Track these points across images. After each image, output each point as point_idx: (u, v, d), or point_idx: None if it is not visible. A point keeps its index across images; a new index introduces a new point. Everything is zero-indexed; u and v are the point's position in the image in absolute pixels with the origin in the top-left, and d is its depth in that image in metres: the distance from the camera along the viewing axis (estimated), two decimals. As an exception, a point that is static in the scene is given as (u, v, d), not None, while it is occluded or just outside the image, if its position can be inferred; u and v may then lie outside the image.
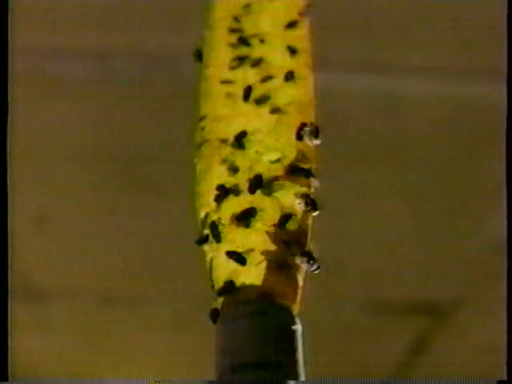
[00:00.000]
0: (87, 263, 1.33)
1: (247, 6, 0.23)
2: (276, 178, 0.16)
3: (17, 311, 1.53)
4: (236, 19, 0.22)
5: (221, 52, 0.21)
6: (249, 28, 0.22)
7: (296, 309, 0.15)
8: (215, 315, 0.15)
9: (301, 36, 0.21)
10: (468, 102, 1.02)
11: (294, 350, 0.14)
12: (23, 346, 1.73)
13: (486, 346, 1.69)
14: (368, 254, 1.29)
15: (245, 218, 0.16)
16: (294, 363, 0.14)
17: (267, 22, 0.22)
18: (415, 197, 1.16)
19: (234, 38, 0.21)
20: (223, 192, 0.16)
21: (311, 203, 0.17)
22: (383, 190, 1.19)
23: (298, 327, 0.14)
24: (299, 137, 0.17)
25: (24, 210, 1.15)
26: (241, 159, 0.17)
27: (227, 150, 0.17)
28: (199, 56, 0.21)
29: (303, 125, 0.18)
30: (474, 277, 1.41)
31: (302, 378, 0.13)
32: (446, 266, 1.35)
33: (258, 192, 0.16)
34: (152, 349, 1.80)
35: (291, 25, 0.21)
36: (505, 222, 0.99)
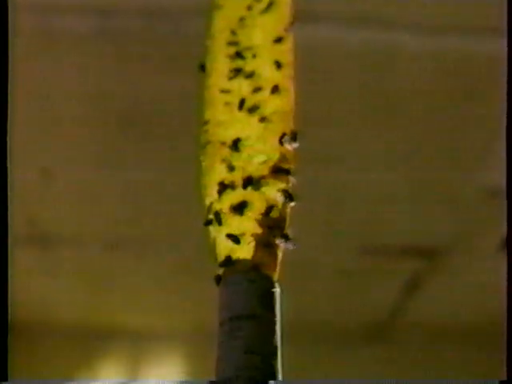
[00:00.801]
0: (93, 212, 1.39)
1: (242, 19, 0.27)
2: (263, 177, 0.22)
3: (25, 258, 1.59)
4: (233, 32, 0.27)
5: (220, 63, 0.26)
6: (244, 41, 0.27)
7: (276, 276, 0.20)
8: (218, 280, 0.21)
9: (286, 50, 0.26)
10: (464, 57, 1.06)
11: (273, 306, 0.20)
12: (31, 291, 1.81)
13: (479, 288, 1.77)
14: (364, 200, 1.35)
15: (239, 208, 0.21)
16: (274, 315, 0.19)
17: (259, 35, 0.27)
18: (411, 148, 1.22)
19: (231, 50, 0.26)
20: (223, 187, 0.22)
21: (289, 196, 0.22)
22: (379, 142, 1.24)
23: (277, 290, 0.20)
24: (281, 142, 0.23)
25: (30, 162, 1.20)
26: (236, 160, 0.22)
27: (226, 152, 0.23)
28: (203, 68, 0.26)
29: (284, 134, 0.23)
30: (467, 222, 1.47)
31: (278, 325, 0.19)
32: (439, 213, 1.41)
33: (249, 188, 0.22)
34: (156, 294, 1.88)
35: (278, 40, 0.26)
36: (496, 171, 1.06)
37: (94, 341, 1.97)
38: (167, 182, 1.30)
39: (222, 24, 0.28)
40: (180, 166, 1.23)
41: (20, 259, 1.59)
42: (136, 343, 2.00)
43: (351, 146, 1.17)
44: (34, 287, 1.75)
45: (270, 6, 0.27)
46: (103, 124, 1.13)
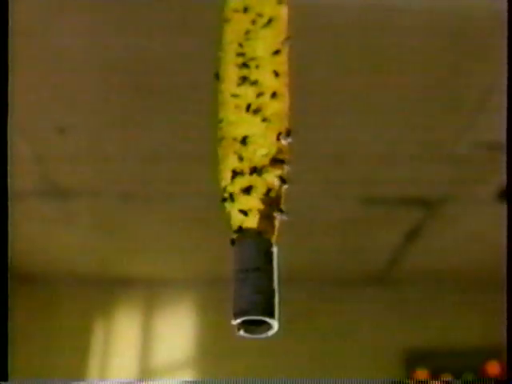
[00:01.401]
0: (107, 166, 1.48)
1: (247, 33, 0.35)
2: (264, 166, 0.30)
3: (43, 210, 1.69)
4: (240, 45, 0.34)
5: (230, 72, 0.33)
6: (249, 52, 0.34)
7: (274, 239, 0.28)
8: (233, 242, 0.29)
9: (282, 62, 0.33)
10: (464, 13, 1.12)
11: (272, 261, 0.28)
12: (50, 241, 1.92)
13: (474, 235, 1.87)
14: (365, 155, 1.43)
15: (247, 190, 0.29)
16: (272, 268, 0.28)
17: (261, 47, 0.34)
18: (411, 100, 1.29)
19: (239, 61, 0.34)
20: (234, 174, 0.30)
21: (284, 181, 0.30)
22: (380, 95, 1.31)
23: (275, 249, 0.28)
24: (278, 139, 0.30)
25: (48, 123, 1.28)
26: (244, 153, 0.30)
27: (237, 146, 0.30)
28: (217, 76, 0.34)
29: (280, 132, 0.30)
30: (464, 174, 1.55)
31: (276, 274, 0.27)
32: (437, 164, 1.49)
33: (254, 175, 0.29)
34: (169, 242, 1.99)
35: (276, 52, 0.33)
36: (492, 126, 1.14)
37: (109, 287, 2.10)
38: (178, 140, 1.38)
39: (230, 37, 0.35)
40: (190, 124, 1.31)
41: (38, 211, 1.69)
42: (150, 289, 2.13)
43: (352, 105, 1.24)
44: (52, 238, 1.87)
45: (270, 21, 0.35)
46: (116, 87, 1.21)
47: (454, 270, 2.12)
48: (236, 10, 0.35)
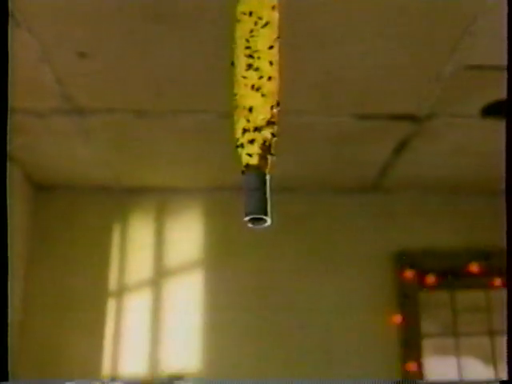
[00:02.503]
0: (121, 84, 1.65)
1: (251, 31, 0.53)
2: (262, 126, 0.49)
3: (63, 127, 1.90)
4: (247, 40, 0.53)
5: (241, 60, 0.52)
6: (253, 47, 0.52)
7: (268, 171, 0.48)
8: (243, 173, 0.49)
9: (275, 54, 0.52)
10: None
11: (266, 183, 0.48)
12: (70, 155, 2.14)
13: (458, 148, 2.08)
14: (359, 72, 1.59)
15: (251, 141, 0.48)
16: (266, 187, 0.48)
17: (261, 43, 0.53)
18: (400, 24, 1.44)
19: (247, 52, 0.52)
20: (244, 131, 0.49)
21: (274, 135, 0.49)
22: (372, 23, 1.47)
23: (268, 177, 0.48)
24: (272, 108, 0.49)
25: (69, 48, 1.45)
26: (250, 117, 0.49)
27: (246, 113, 0.49)
28: (232, 63, 0.52)
29: (273, 105, 0.49)
30: (450, 92, 1.73)
31: (268, 185, 0.47)
32: (424, 82, 1.66)
33: (256, 132, 0.48)
34: (180, 154, 2.22)
35: (271, 47, 0.52)
36: (475, 49, 1.35)
37: (124, 195, 2.35)
38: (189, 63, 1.54)
39: (240, 33, 0.53)
40: (199, 51, 1.49)
41: (58, 128, 1.90)
42: (162, 196, 2.37)
43: (345, 27, 1.39)
44: (70, 151, 2.08)
45: (266, 23, 0.53)
46: (134, 14, 1.37)
47: (441, 178, 2.31)
48: (244, 13, 0.54)
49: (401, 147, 1.99)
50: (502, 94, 1.70)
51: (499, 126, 1.86)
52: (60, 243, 2.20)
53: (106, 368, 2.05)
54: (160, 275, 2.23)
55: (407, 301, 2.25)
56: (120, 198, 2.26)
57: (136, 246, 2.25)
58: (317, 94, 1.67)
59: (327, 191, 2.37)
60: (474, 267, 2.28)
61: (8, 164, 2.16)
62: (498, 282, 2.31)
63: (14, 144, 2.01)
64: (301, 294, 2.24)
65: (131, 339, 2.11)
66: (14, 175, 2.13)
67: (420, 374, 2.21)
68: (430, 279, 2.28)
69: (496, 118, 1.83)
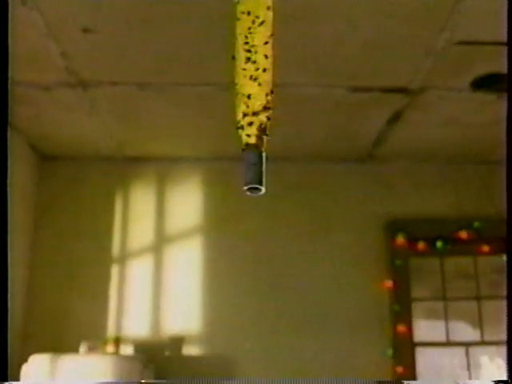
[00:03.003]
0: (124, 58, 1.74)
1: (249, 28, 0.63)
2: (259, 111, 0.59)
3: (67, 99, 2.00)
4: (246, 36, 0.63)
5: (240, 54, 0.62)
6: (251, 42, 0.62)
7: (263, 149, 0.58)
8: (243, 150, 0.59)
9: (270, 48, 0.62)
10: None
11: (262, 159, 0.58)
12: (74, 126, 2.25)
13: (449, 119, 2.18)
14: (353, 47, 1.68)
15: (250, 124, 0.59)
16: (262, 162, 0.58)
17: (257, 39, 0.62)
18: (392, 3, 1.52)
19: (245, 47, 0.62)
20: (243, 115, 0.59)
21: (269, 119, 0.59)
22: (366, 2, 1.55)
23: (264, 154, 0.58)
24: (267, 95, 0.59)
25: (71, 22, 1.53)
26: (249, 103, 0.59)
27: (245, 99, 0.59)
28: (233, 57, 0.62)
29: (267, 93, 0.59)
30: (440, 66, 1.82)
31: (264, 166, 0.57)
32: (416, 57, 1.75)
33: (254, 116, 0.59)
34: (180, 125, 2.32)
35: (266, 43, 0.62)
36: (465, 27, 1.46)
37: (127, 164, 2.45)
38: (188, 41, 1.63)
39: (240, 30, 0.63)
40: (201, 26, 1.57)
41: (63, 100, 1.99)
42: (162, 165, 2.47)
43: (339, 4, 1.47)
44: (75, 122, 2.18)
45: (262, 22, 0.63)
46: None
47: (432, 149, 2.41)
48: (243, 13, 0.63)
49: (394, 119, 2.09)
50: (491, 68, 1.79)
51: (489, 99, 1.97)
52: (65, 211, 2.31)
53: (111, 329, 2.17)
54: (161, 241, 2.35)
55: (398, 266, 2.38)
56: (122, 168, 2.36)
57: (138, 213, 2.36)
58: (313, 67, 1.76)
59: (323, 161, 2.48)
60: (463, 234, 2.39)
61: (14, 135, 2.26)
62: (485, 248, 2.42)
63: (20, 115, 2.11)
64: (296, 258, 2.36)
65: (134, 302, 2.23)
66: (19, 145, 2.22)
67: (410, 335, 2.33)
68: (421, 246, 2.42)
69: (485, 90, 1.93)
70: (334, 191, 2.45)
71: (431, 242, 2.43)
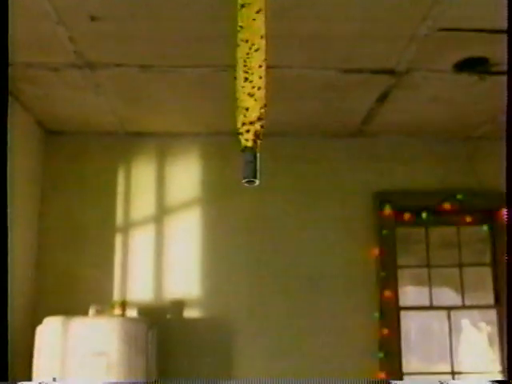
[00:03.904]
0: (128, 42, 1.90)
1: (247, 54, 0.82)
2: (255, 121, 0.78)
3: (72, 79, 2.20)
4: (244, 60, 0.81)
5: (240, 75, 0.81)
6: (248, 64, 0.81)
7: (257, 149, 0.77)
8: (242, 151, 0.78)
9: (263, 70, 0.80)
10: None
11: (256, 157, 0.77)
12: (80, 105, 2.44)
13: (434, 98, 2.38)
14: (344, 32, 1.85)
15: (247, 131, 0.78)
16: (257, 160, 0.78)
17: (254, 63, 0.81)
18: None
19: (244, 69, 0.81)
20: (242, 124, 0.78)
21: (262, 126, 0.78)
22: None
23: (258, 154, 0.78)
24: (261, 109, 0.78)
25: (81, 11, 1.69)
26: (247, 114, 0.78)
27: (244, 111, 0.78)
28: (235, 78, 0.80)
29: (261, 106, 0.78)
30: (424, 50, 1.99)
31: (258, 162, 0.77)
32: (402, 42, 1.92)
33: (250, 125, 0.78)
34: (180, 104, 2.51)
35: (260, 66, 0.81)
36: (450, 12, 1.69)
37: (129, 139, 2.65)
38: (189, 25, 1.78)
39: (240, 54, 0.82)
40: (201, 11, 1.75)
41: (70, 81, 2.18)
42: (163, 140, 2.67)
43: None
44: (82, 101, 2.37)
45: (257, 49, 0.82)
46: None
47: (418, 125, 2.58)
48: (242, 40, 0.82)
49: (382, 98, 2.26)
50: (472, 53, 1.97)
51: (471, 80, 2.14)
52: (70, 184, 2.49)
53: (117, 293, 2.37)
54: (162, 212, 2.55)
55: (385, 235, 2.55)
56: (125, 143, 2.54)
57: (140, 185, 2.56)
58: (306, 50, 1.92)
59: (315, 136, 2.66)
60: (447, 206, 2.57)
61: (22, 112, 2.46)
62: (468, 219, 2.61)
63: (29, 95, 2.27)
64: (289, 227, 2.55)
65: (138, 269, 2.43)
66: (27, 122, 2.40)
67: (396, 300, 2.53)
68: (407, 216, 2.61)
69: (467, 72, 2.10)
70: (326, 165, 2.63)
71: (417, 213, 2.61)
